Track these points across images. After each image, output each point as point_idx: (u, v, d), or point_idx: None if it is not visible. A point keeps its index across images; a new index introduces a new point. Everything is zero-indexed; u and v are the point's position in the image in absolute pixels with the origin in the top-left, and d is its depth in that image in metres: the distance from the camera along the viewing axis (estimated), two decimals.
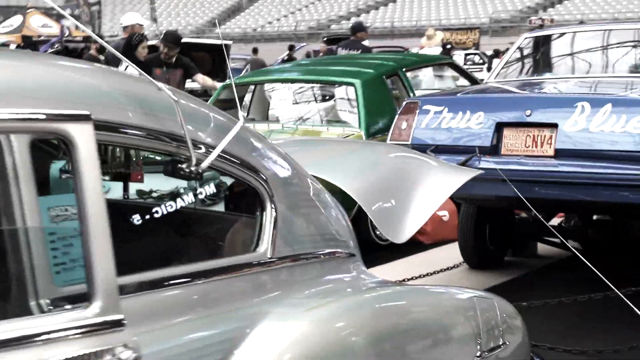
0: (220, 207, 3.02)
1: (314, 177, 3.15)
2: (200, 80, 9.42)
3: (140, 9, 54.46)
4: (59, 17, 30.39)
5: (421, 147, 5.57)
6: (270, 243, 2.53)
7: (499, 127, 5.40)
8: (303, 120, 8.03)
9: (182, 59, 9.55)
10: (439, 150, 5.55)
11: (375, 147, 3.82)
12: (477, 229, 6.42)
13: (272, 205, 2.56)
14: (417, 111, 5.71)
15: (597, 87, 5.94)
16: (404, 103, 5.85)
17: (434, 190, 3.43)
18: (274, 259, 2.54)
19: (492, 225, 6.50)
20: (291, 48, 27.40)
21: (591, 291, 5.23)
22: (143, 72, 2.37)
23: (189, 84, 9.96)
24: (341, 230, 2.95)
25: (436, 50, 16.71)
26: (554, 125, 5.21)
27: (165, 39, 9.51)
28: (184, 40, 11.01)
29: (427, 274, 6.32)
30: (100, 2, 37.19)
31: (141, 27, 10.78)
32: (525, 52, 6.71)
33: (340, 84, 7.52)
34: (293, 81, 7.98)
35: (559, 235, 5.28)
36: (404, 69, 7.64)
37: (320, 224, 2.82)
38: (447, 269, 6.51)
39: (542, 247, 6.85)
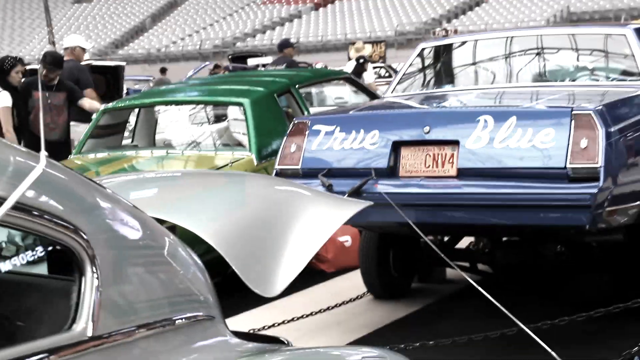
0: (30, 273, 2.43)
1: (164, 221, 2.60)
2: (87, 104, 8.75)
3: (37, 33, 53.16)
4: None
5: (312, 172, 5.08)
6: (90, 317, 1.97)
7: (396, 146, 4.91)
8: (193, 144, 7.46)
9: (65, 82, 8.88)
10: (332, 174, 5.05)
11: (245, 180, 3.26)
12: (379, 255, 5.92)
13: (94, 270, 2.00)
14: (307, 132, 5.19)
15: (500, 99, 5.51)
16: (292, 123, 5.32)
17: (313, 229, 2.90)
18: (98, 337, 1.97)
19: (396, 251, 6.01)
20: (163, 71, 27.29)
21: (504, 322, 4.78)
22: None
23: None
24: (199, 289, 2.40)
25: (350, 65, 16.36)
26: (455, 143, 4.75)
27: (44, 60, 8.82)
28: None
29: (328, 308, 5.81)
30: None
31: (83, 50, 10.14)
32: (423, 63, 6.25)
33: (229, 103, 6.96)
34: (179, 103, 7.39)
35: (450, 261, 4.83)
36: (297, 86, 7.12)
37: (169, 285, 2.27)
38: (350, 300, 6.00)
39: (451, 271, 6.39)
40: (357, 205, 3.17)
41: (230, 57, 32.83)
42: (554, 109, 4.81)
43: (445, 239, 6.03)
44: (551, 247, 5.55)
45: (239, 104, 6.73)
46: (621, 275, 5.20)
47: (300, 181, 5.14)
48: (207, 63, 31.23)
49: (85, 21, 58.43)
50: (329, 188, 4.95)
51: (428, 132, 4.82)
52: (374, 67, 32.68)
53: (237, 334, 3.03)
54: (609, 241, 5.13)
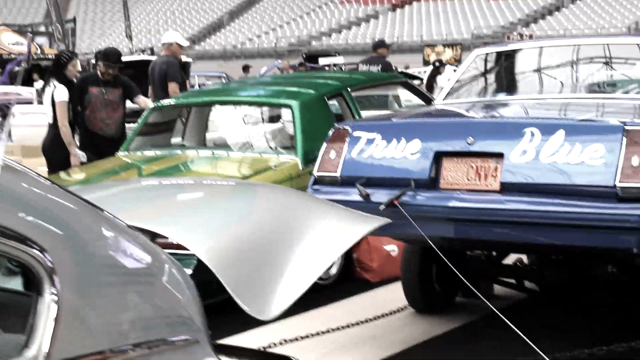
0: None
1: (153, 234, 2.44)
2: (141, 102, 8.71)
3: (117, 27, 53.87)
4: (33, 34, 29.72)
5: (351, 180, 4.91)
6: (47, 341, 1.82)
7: (438, 157, 4.69)
8: (242, 145, 7.32)
9: (122, 77, 8.84)
10: (371, 183, 4.86)
11: (254, 191, 3.09)
12: (421, 268, 5.70)
13: (54, 289, 1.85)
14: (347, 138, 5.00)
15: (550, 111, 5.23)
16: (333, 129, 5.13)
17: (321, 247, 2.72)
18: None
19: (439, 264, 5.76)
20: (245, 68, 26.98)
21: (545, 346, 4.54)
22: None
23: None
24: (184, 310, 2.24)
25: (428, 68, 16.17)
26: (499, 155, 4.51)
27: (104, 57, 8.79)
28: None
29: (366, 321, 5.62)
30: (75, 19, 36.39)
31: (180, 47, 10.23)
32: (478, 70, 6.01)
33: (278, 105, 6.81)
34: (228, 103, 7.26)
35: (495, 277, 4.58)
36: (348, 89, 6.93)
37: (148, 306, 2.11)
38: (390, 313, 5.79)
39: (498, 287, 6.12)
40: (373, 222, 2.97)
41: (304, 55, 32.75)
42: (605, 123, 4.54)
43: (494, 253, 5.77)
44: (602, 268, 5.27)
45: (288, 106, 6.57)
46: None
47: (339, 189, 4.97)
48: (277, 62, 31.19)
49: (165, 16, 59.05)
50: (367, 198, 4.76)
51: (472, 143, 4.59)
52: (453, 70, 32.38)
53: (242, 352, 2.87)
54: None
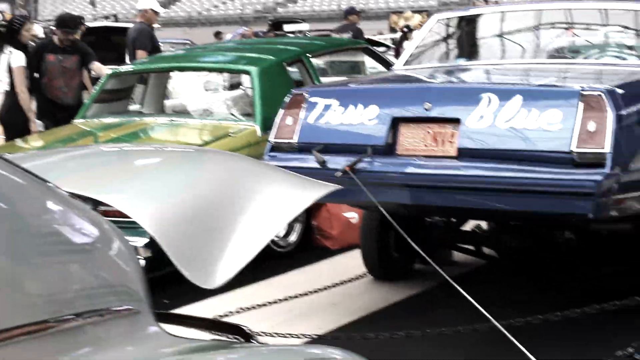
0: None
1: (95, 201, 2.38)
2: (96, 68, 8.57)
3: None
4: None
5: (308, 146, 4.85)
6: None
7: (395, 122, 4.65)
8: (201, 112, 7.24)
9: (79, 44, 8.69)
10: (328, 150, 4.81)
11: (201, 158, 3.02)
12: (379, 235, 5.67)
13: None
14: (304, 104, 4.94)
15: (508, 76, 5.20)
16: (290, 94, 5.07)
17: (269, 214, 2.67)
18: None
19: (398, 232, 5.74)
20: (217, 34, 26.72)
21: (502, 312, 4.54)
22: None
23: None
24: (124, 280, 2.18)
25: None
26: (456, 121, 4.48)
27: (60, 22, 8.63)
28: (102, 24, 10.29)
29: (325, 288, 5.59)
30: None
31: (155, 13, 10.04)
32: (437, 35, 5.95)
33: (236, 71, 6.72)
34: (186, 69, 7.16)
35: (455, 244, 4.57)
36: (308, 55, 6.86)
37: (83, 276, 2.05)
38: (349, 280, 5.77)
39: (457, 254, 6.11)
40: (323, 189, 2.92)
41: (270, 22, 32.48)
42: (561, 88, 4.51)
43: (452, 219, 5.76)
44: (560, 234, 5.26)
45: (247, 72, 6.49)
46: (630, 267, 4.91)
47: (296, 156, 4.92)
48: (242, 29, 30.90)
49: None
50: (323, 164, 4.72)
51: (429, 109, 4.55)
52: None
53: (193, 321, 2.82)
54: (620, 231, 4.84)
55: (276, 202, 2.72)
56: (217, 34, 28.25)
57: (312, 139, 4.86)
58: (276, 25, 30.42)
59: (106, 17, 35.92)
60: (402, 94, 4.84)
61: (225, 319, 5.00)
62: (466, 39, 6.02)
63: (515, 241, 5.35)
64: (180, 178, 2.68)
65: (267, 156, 5.00)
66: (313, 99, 4.93)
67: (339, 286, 5.65)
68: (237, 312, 5.13)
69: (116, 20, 25.01)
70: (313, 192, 2.88)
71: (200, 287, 2.42)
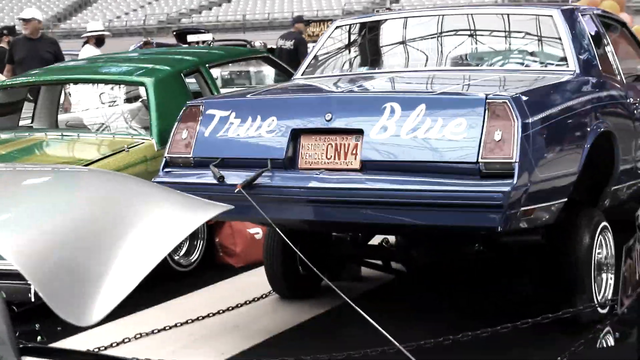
0: None
1: None
2: None
3: None
4: None
5: (205, 161, 4.60)
6: None
7: (296, 134, 4.43)
8: (95, 126, 6.91)
9: None
10: (227, 164, 4.57)
11: (76, 179, 2.75)
12: (284, 251, 5.43)
13: None
14: (200, 117, 4.69)
15: (411, 84, 5.03)
16: (185, 106, 4.81)
17: (152, 239, 2.41)
18: None
19: (303, 246, 5.52)
20: (146, 44, 26.25)
21: (413, 332, 4.38)
22: None
23: None
24: None
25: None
26: (359, 132, 4.28)
27: None
28: None
29: (228, 309, 5.33)
30: None
31: (39, 22, 9.63)
32: (338, 43, 5.76)
33: (130, 83, 6.42)
34: (77, 81, 6.82)
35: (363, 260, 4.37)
36: (207, 65, 6.59)
37: None
38: (254, 300, 5.52)
39: (366, 269, 5.92)
40: (213, 209, 2.67)
41: (174, 33, 32.02)
42: (466, 96, 4.36)
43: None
44: (470, 246, 5.11)
45: (141, 84, 6.19)
46: (541, 279, 4.78)
47: (192, 171, 4.67)
48: (144, 40, 30.37)
49: None
50: (221, 180, 4.47)
51: (330, 120, 4.35)
52: None
53: (74, 355, 2.57)
54: (529, 242, 4.70)
55: (160, 225, 2.46)
56: (147, 44, 27.69)
57: (209, 153, 4.61)
58: (180, 35, 30.03)
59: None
60: (301, 104, 4.62)
61: (123, 345, 4.73)
62: (368, 47, 5.84)
63: (423, 255, 5.17)
64: (51, 201, 2.41)
65: (161, 172, 4.74)
66: (209, 111, 4.68)
67: (243, 306, 5.40)
68: (135, 337, 4.84)
69: (10, 33, 24.32)
70: (202, 213, 2.63)
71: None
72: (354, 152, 4.28)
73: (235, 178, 4.45)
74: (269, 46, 23.02)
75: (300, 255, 4.16)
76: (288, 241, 4.26)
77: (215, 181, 4.48)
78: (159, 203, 2.58)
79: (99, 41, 11.24)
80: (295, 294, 5.54)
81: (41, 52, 9.10)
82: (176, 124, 4.77)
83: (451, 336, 4.00)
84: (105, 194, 2.56)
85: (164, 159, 4.75)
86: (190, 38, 25.49)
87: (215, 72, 13.12)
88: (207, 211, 2.67)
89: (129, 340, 4.79)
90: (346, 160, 4.30)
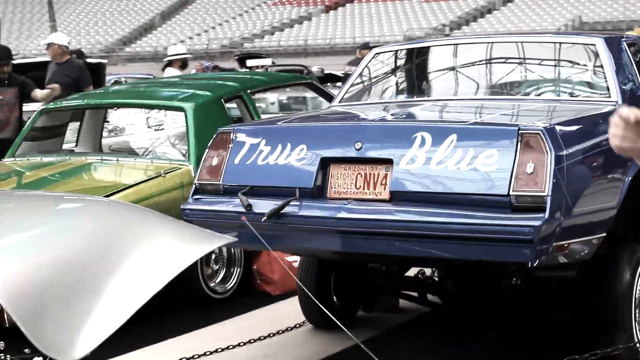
0: None
1: None
2: (39, 94, 8.34)
3: (45, 29, 52.83)
4: None
5: (234, 189, 4.53)
6: None
7: (325, 163, 4.35)
8: (135, 150, 6.91)
9: (15, 76, 8.38)
10: (255, 192, 4.50)
11: (77, 207, 2.71)
12: (318, 280, 5.35)
13: None
14: (230, 144, 4.64)
15: (443, 113, 4.92)
16: (216, 133, 4.76)
17: (148, 271, 2.36)
18: None
19: (338, 276, 5.43)
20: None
21: None
22: None
23: None
24: None
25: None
26: (388, 162, 4.19)
27: None
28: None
29: (260, 338, 5.25)
30: None
31: (59, 47, 9.72)
32: (377, 70, 5.68)
33: (170, 108, 6.41)
34: (119, 106, 6.85)
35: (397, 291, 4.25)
36: (248, 91, 6.56)
37: None
38: (287, 330, 5.44)
39: (404, 300, 5.79)
40: (216, 241, 2.61)
41: (236, 57, 32.25)
42: (498, 126, 4.24)
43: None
44: (506, 280, 4.96)
45: (181, 109, 6.18)
46: (580, 316, 4.62)
47: (221, 199, 4.61)
48: (209, 63, 30.63)
49: (95, 17, 58.05)
50: (248, 208, 4.40)
51: (360, 149, 4.26)
52: None
53: None
54: (566, 277, 4.55)
55: (158, 257, 2.41)
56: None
57: (238, 181, 4.55)
58: (242, 60, 30.24)
59: (71, 53, 35.71)
60: (332, 133, 4.54)
61: None
62: (406, 74, 5.74)
63: (459, 288, 5.04)
64: (44, 231, 2.36)
65: (191, 199, 4.69)
66: (240, 138, 4.63)
67: (275, 336, 5.31)
68: None
69: (79, 55, 24.73)
70: (203, 245, 2.57)
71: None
72: (384, 182, 4.18)
73: (264, 207, 4.38)
74: (326, 72, 23.06)
75: (318, 303, 4.04)
76: (298, 281, 4.15)
77: (243, 209, 4.41)
78: (159, 234, 2.53)
79: (183, 64, 11.31)
80: (330, 324, 5.43)
81: (60, 76, 9.22)
82: (207, 150, 4.72)
83: None
84: (104, 224, 2.51)
85: (194, 186, 4.70)
86: (250, 63, 25.66)
87: (272, 97, 13.15)
88: (210, 242, 2.61)
89: None
90: (375, 191, 4.21)
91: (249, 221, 4.35)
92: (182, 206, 4.65)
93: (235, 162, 4.58)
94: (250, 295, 6.31)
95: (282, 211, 4.29)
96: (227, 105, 6.38)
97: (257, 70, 22.68)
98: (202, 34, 53.31)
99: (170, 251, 2.45)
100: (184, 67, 11.49)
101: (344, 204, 4.23)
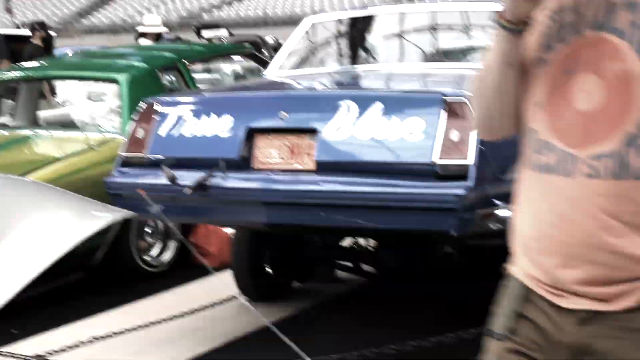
0: None
1: None
2: None
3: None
4: None
5: (160, 161, 4.44)
6: None
7: (250, 133, 4.27)
8: (70, 123, 6.78)
9: None
10: (180, 164, 4.41)
11: None
12: (251, 252, 5.28)
13: None
14: (156, 115, 4.54)
15: (368, 81, 4.85)
16: (141, 104, 4.66)
17: (40, 244, 2.28)
18: None
19: (272, 248, 5.37)
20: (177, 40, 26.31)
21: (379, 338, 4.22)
22: None
23: None
24: None
25: None
26: (314, 131, 4.11)
27: None
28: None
29: (192, 311, 5.17)
30: None
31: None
32: (312, 39, 5.59)
33: (104, 79, 6.29)
34: (52, 78, 6.70)
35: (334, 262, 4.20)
36: (185, 61, 6.45)
37: None
38: (220, 302, 5.36)
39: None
40: (109, 216, 2.53)
41: (194, 28, 31.92)
42: (423, 94, 4.18)
43: None
44: (439, 249, 4.94)
45: (115, 80, 6.06)
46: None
47: (147, 171, 4.52)
48: (169, 35, 30.27)
49: None
50: (173, 181, 4.32)
51: (285, 119, 4.18)
52: None
53: None
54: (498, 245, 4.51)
55: (49, 232, 2.33)
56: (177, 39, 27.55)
57: (163, 153, 4.46)
58: (200, 31, 29.92)
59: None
60: (257, 103, 4.46)
61: (74, 350, 4.59)
62: (337, 43, 5.66)
63: (392, 258, 5.01)
64: None
65: (116, 172, 4.60)
66: (165, 109, 4.53)
67: (208, 309, 5.24)
68: (90, 341, 4.70)
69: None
70: (99, 219, 2.49)
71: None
72: (309, 152, 4.11)
73: (190, 179, 4.30)
74: (281, 41, 22.91)
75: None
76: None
77: (167, 182, 4.33)
78: (53, 209, 2.45)
79: (157, 36, 11.11)
80: (264, 296, 5.39)
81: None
82: (133, 122, 4.63)
83: (413, 342, 3.86)
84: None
85: (119, 158, 4.61)
86: (205, 33, 25.38)
87: (228, 68, 13.01)
88: (106, 217, 2.53)
89: (83, 343, 4.65)
90: (301, 161, 4.14)
91: (175, 194, 4.28)
92: (105, 179, 4.56)
93: (161, 133, 4.49)
94: (188, 268, 6.23)
95: (206, 183, 4.21)
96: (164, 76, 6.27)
97: (214, 41, 22.42)
98: (160, 5, 52.80)
99: (64, 226, 2.37)
100: (158, 40, 11.21)
101: (269, 175, 4.16)
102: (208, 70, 9.65)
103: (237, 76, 12.93)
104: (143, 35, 11.18)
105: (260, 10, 48.26)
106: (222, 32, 25.01)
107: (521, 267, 1.86)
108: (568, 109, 1.76)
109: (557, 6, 1.80)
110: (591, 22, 1.75)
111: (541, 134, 1.79)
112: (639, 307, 1.73)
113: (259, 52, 8.23)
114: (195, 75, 9.06)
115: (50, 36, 13.65)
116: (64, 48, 21.63)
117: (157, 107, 4.55)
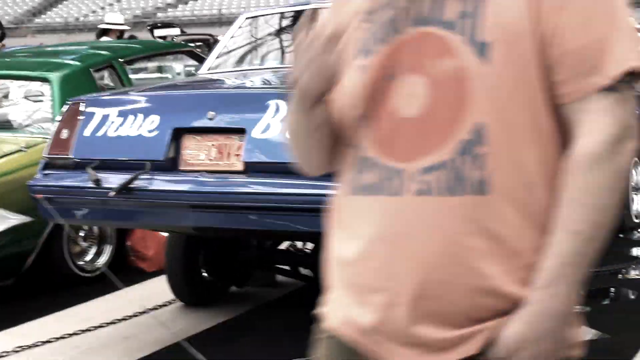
0: None
1: None
2: None
3: None
4: None
5: (85, 163, 4.29)
6: None
7: (178, 134, 4.13)
8: (6, 124, 6.58)
9: None
10: (106, 166, 4.26)
11: None
12: (186, 256, 5.13)
13: None
14: (81, 115, 4.38)
15: None
16: (66, 104, 4.50)
17: None
18: None
19: (207, 253, 5.22)
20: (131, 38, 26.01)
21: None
22: None
23: None
24: None
25: None
26: (242, 131, 3.98)
27: None
28: None
29: (124, 318, 5.03)
30: None
31: None
32: (246, 36, 5.46)
33: (35, 78, 6.10)
34: None
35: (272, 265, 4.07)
36: (120, 60, 6.28)
37: None
38: (154, 308, 5.22)
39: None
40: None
41: (148, 27, 31.64)
42: None
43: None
44: None
45: (46, 79, 5.87)
46: None
47: (71, 173, 4.37)
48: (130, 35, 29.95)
49: None
50: (97, 183, 4.16)
51: (213, 118, 4.05)
52: None
53: None
54: None
55: None
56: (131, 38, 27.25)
57: (88, 154, 4.31)
58: (154, 30, 29.63)
59: None
60: (185, 102, 4.32)
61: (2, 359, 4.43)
62: (270, 41, 5.53)
63: None
64: None
65: (39, 174, 4.43)
66: (91, 109, 4.38)
67: (141, 315, 5.09)
68: (15, 351, 4.54)
69: None
70: None
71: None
72: (237, 153, 3.98)
73: (115, 181, 4.14)
74: None
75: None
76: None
77: (92, 184, 4.17)
78: None
79: (120, 34, 10.91)
80: (199, 301, 5.25)
81: None
82: (58, 122, 4.47)
83: None
84: None
85: (43, 160, 4.45)
86: (157, 32, 25.11)
87: (179, 67, 12.81)
88: None
89: (7, 353, 4.48)
90: (229, 162, 4.01)
91: (99, 197, 4.13)
92: (28, 182, 4.39)
93: (86, 134, 4.33)
94: (124, 272, 6.05)
95: (131, 185, 4.07)
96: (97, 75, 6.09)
97: (167, 40, 22.17)
98: (115, 3, 52.29)
99: None
100: (120, 38, 11.00)
101: (197, 177, 4.03)
102: (160, 70, 9.48)
103: (188, 75, 12.75)
104: (105, 33, 10.94)
105: (216, 9, 47.99)
106: (174, 31, 24.78)
107: (338, 314, 1.59)
108: (392, 118, 1.48)
109: (371, 6, 1.54)
110: (414, 17, 1.49)
111: (362, 150, 1.52)
112: (480, 354, 1.45)
113: (209, 51, 8.07)
114: (143, 75, 8.89)
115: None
116: (17, 47, 21.30)
117: (82, 106, 4.40)
